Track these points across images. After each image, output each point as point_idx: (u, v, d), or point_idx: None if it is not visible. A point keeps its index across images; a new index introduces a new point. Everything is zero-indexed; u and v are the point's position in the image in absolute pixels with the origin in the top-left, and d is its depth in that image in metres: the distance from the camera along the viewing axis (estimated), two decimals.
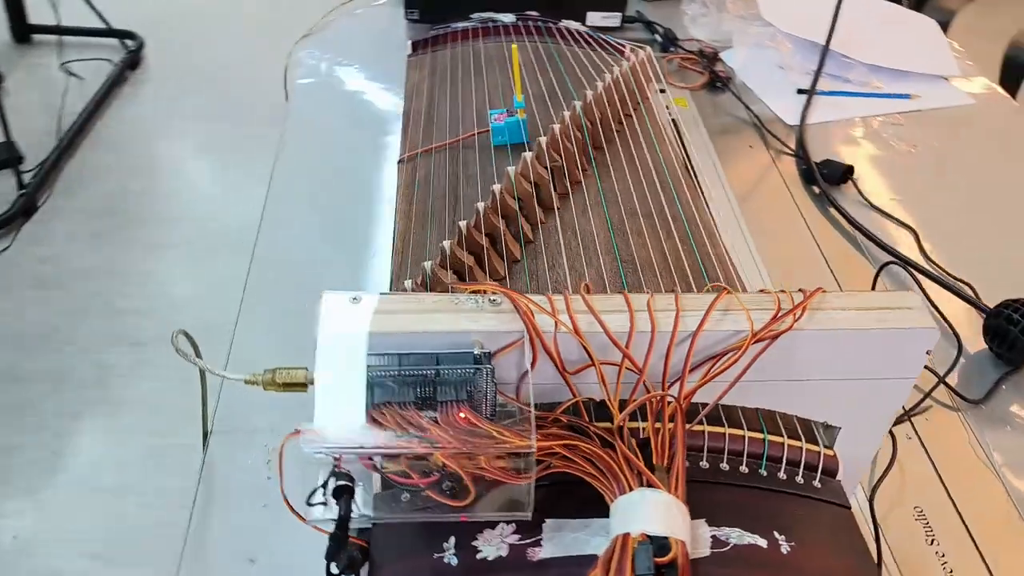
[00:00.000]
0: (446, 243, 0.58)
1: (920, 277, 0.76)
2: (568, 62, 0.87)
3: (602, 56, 0.90)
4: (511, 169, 0.63)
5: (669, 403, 0.43)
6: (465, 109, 0.80)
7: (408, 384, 0.40)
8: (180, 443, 1.56)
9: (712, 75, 1.06)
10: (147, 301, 1.89)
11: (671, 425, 0.43)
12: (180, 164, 2.32)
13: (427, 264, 0.56)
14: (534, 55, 0.89)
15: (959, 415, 0.66)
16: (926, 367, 0.66)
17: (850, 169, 0.89)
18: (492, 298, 0.42)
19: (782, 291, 0.45)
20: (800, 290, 0.45)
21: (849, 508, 0.47)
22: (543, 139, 0.65)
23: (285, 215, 0.79)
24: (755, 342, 0.43)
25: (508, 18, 0.97)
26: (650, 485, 0.41)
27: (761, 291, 0.46)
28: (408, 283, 0.56)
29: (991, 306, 0.71)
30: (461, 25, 0.96)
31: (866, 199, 0.87)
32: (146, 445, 1.59)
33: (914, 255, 0.81)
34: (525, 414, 0.41)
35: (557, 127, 0.67)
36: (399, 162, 0.75)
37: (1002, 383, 0.68)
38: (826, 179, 0.88)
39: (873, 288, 0.71)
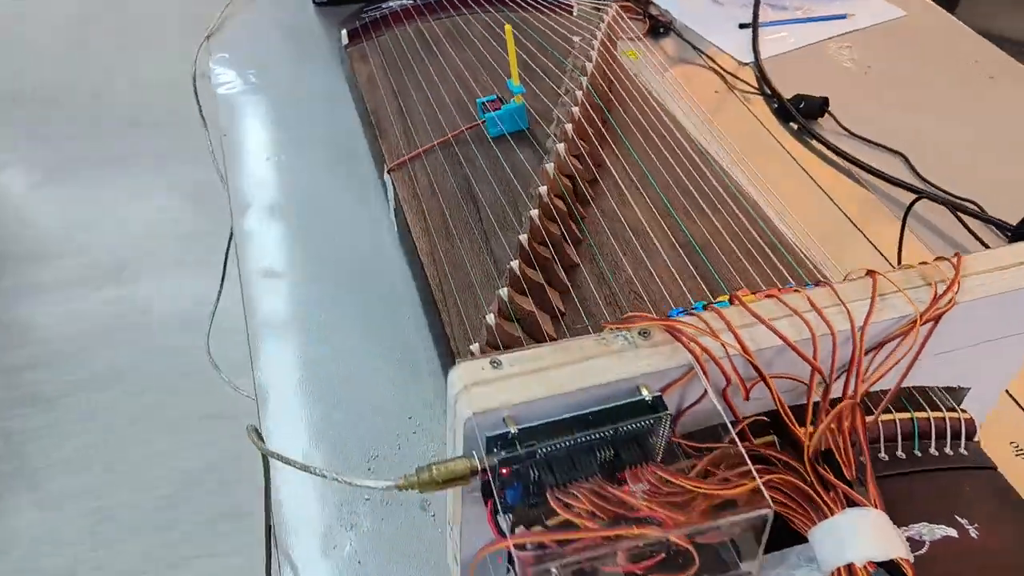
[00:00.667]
0: (515, 263, 0.52)
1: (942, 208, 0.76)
2: (528, 31, 0.81)
3: (557, 20, 0.85)
4: (549, 166, 0.57)
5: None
6: (441, 100, 0.72)
7: (586, 453, 0.34)
8: (128, 503, 1.44)
9: (652, 20, 1.02)
10: (38, 350, 1.72)
11: (849, 429, 0.39)
12: (33, 195, 2.11)
13: (503, 291, 0.50)
14: (490, 29, 0.82)
15: None
16: None
17: (825, 101, 0.87)
18: (642, 330, 0.37)
19: (923, 263, 0.42)
20: (939, 258, 0.42)
21: (996, 468, 0.45)
22: (568, 126, 0.60)
23: (263, 247, 0.70)
24: (923, 323, 0.40)
25: None
26: (852, 503, 0.37)
27: (902, 267, 0.43)
28: (490, 317, 0.50)
29: (1012, 223, 0.71)
30: (397, 3, 0.87)
31: (847, 129, 0.86)
32: (89, 511, 1.45)
33: (905, 176, 0.80)
34: (705, 455, 0.37)
35: (576, 110, 0.61)
36: (388, 172, 0.67)
37: None
38: (803, 115, 0.87)
39: (903, 226, 0.70)
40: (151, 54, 2.40)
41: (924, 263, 0.42)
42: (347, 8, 0.96)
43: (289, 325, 0.64)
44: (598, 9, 0.81)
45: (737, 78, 0.93)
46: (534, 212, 0.53)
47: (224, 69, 0.93)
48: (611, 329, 0.37)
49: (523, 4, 0.87)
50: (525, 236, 0.52)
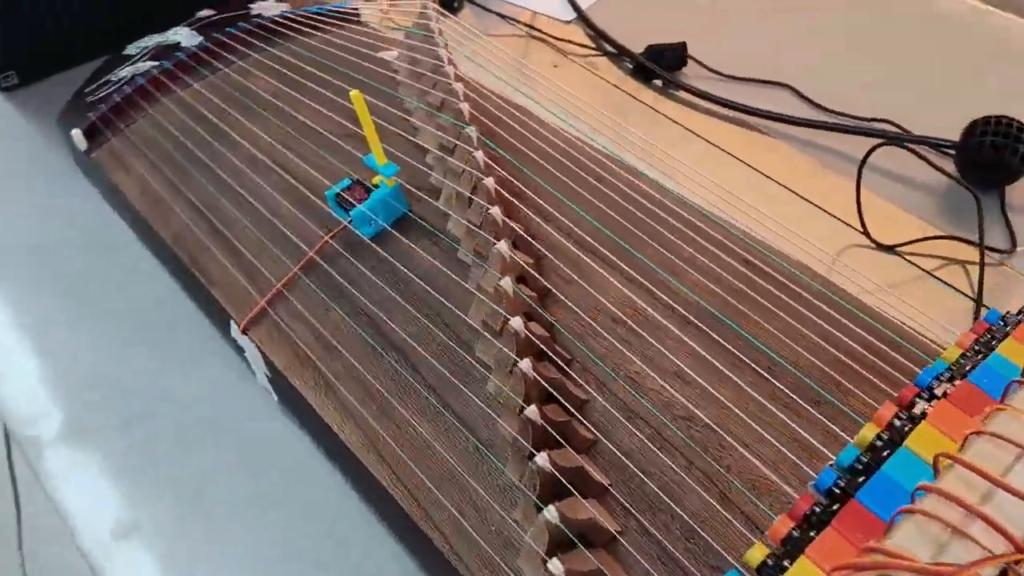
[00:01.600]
0: (541, 460, 0.34)
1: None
2: (324, 62, 0.61)
3: (353, 38, 0.65)
4: (505, 283, 0.40)
5: None
6: (269, 200, 0.52)
7: None
8: None
9: None
10: None
11: None
12: None
13: (550, 514, 0.33)
14: (283, 77, 0.61)
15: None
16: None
17: (683, 47, 0.75)
18: None
19: None
20: None
21: None
22: (495, 210, 0.42)
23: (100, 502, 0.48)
24: None
25: (190, 36, 0.66)
26: None
27: None
28: (556, 563, 0.33)
29: (949, 138, 0.63)
30: (129, 69, 0.64)
31: (717, 72, 0.75)
32: None
33: (802, 111, 0.71)
34: None
35: (490, 181, 0.44)
36: (243, 333, 0.47)
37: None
38: (666, 68, 0.74)
39: (859, 175, 0.59)
40: None
41: None
42: (53, 91, 0.70)
43: None
44: (423, 14, 0.63)
45: (571, 42, 0.79)
46: (524, 365, 0.36)
47: None
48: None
49: (297, 28, 0.66)
50: (534, 410, 0.35)
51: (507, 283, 0.39)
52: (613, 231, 0.46)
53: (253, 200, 0.52)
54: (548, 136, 0.52)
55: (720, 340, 0.41)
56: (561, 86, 0.60)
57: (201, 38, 0.66)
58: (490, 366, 0.41)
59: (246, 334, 0.47)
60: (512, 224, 0.43)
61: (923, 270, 0.58)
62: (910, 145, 0.61)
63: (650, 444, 0.37)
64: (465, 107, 0.49)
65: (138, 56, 0.66)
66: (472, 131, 0.47)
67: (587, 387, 0.40)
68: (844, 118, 0.69)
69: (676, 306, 0.42)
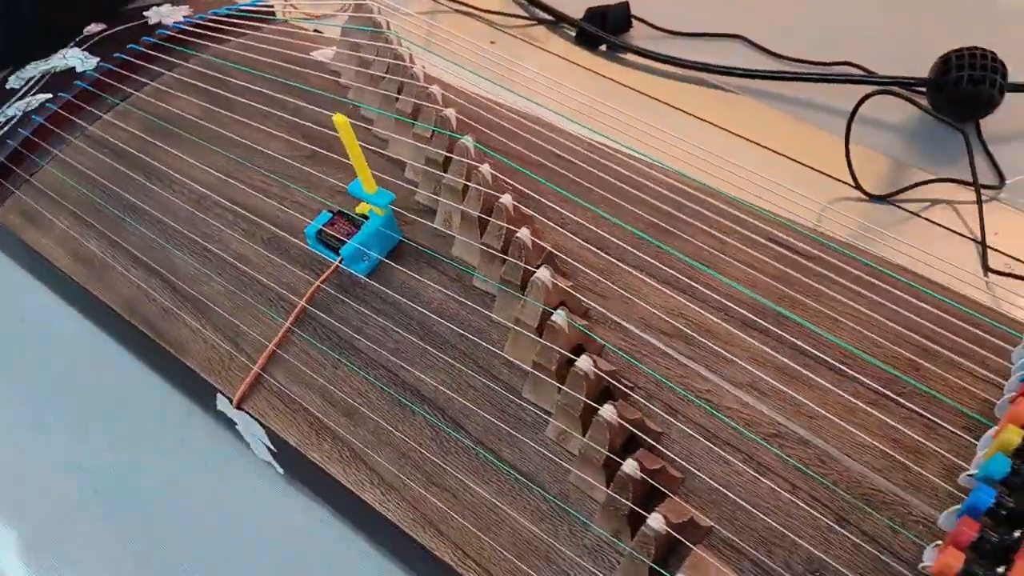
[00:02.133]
0: (655, 522, 0.30)
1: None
2: (258, 71, 0.54)
3: (274, 37, 0.58)
4: (560, 318, 0.35)
5: None
6: (233, 247, 0.45)
7: None
8: None
9: None
10: None
11: None
12: None
13: None
14: (203, 91, 0.53)
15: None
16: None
17: (626, 6, 0.70)
18: None
19: None
20: None
21: None
22: (523, 233, 0.37)
23: None
24: None
25: (83, 60, 0.57)
26: None
27: None
28: None
29: (916, 76, 0.61)
30: (20, 110, 0.54)
31: (666, 30, 0.71)
32: None
33: (762, 62, 0.68)
34: None
35: (508, 199, 0.39)
36: (239, 408, 0.40)
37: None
38: (612, 32, 0.70)
39: (849, 128, 0.57)
40: None
41: None
42: None
43: None
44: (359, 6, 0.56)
45: (501, 14, 0.73)
46: (609, 413, 0.32)
47: None
48: None
49: (209, 35, 0.58)
50: (634, 465, 0.30)
51: (562, 318, 0.34)
52: (642, 231, 0.41)
53: (211, 246, 0.45)
54: (545, 134, 0.47)
55: (785, 337, 0.37)
56: (536, 71, 0.55)
57: (98, 60, 0.57)
58: (545, 408, 0.36)
59: (242, 409, 0.40)
60: (543, 244, 0.38)
61: (921, 217, 0.56)
62: (898, 90, 0.58)
63: (746, 471, 0.34)
64: (451, 114, 0.43)
65: (25, 89, 0.56)
66: (469, 142, 0.41)
67: (659, 413, 0.35)
68: (805, 65, 0.67)
69: (730, 305, 0.39)
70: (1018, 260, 0.53)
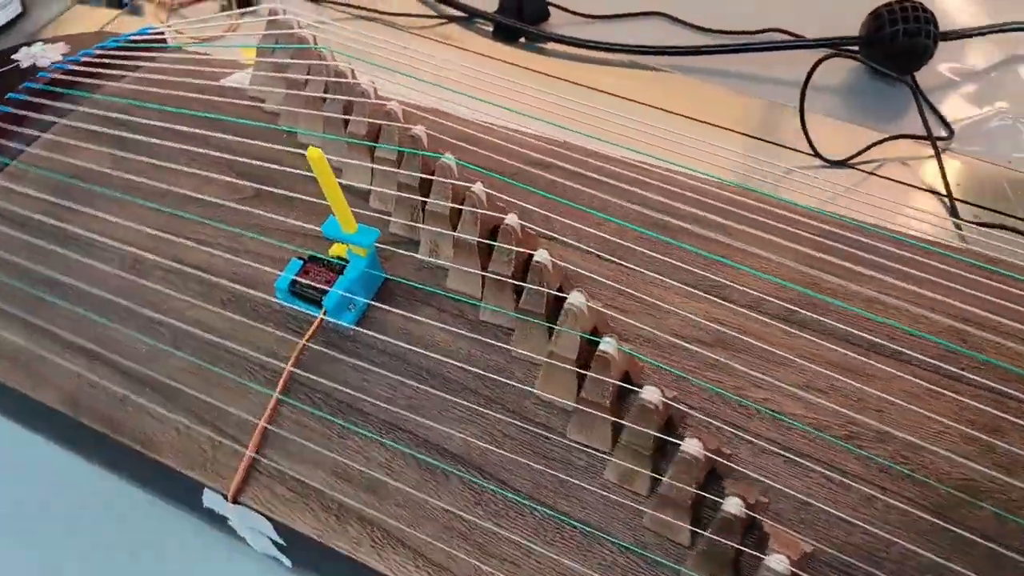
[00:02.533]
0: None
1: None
2: (167, 106, 0.47)
3: (174, 67, 0.51)
4: (610, 346, 0.31)
5: None
6: (187, 314, 0.39)
7: None
8: None
9: None
10: None
11: None
12: None
13: None
14: (108, 137, 0.46)
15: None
16: None
17: None
18: None
19: None
20: None
21: None
22: (541, 255, 0.33)
23: None
24: None
25: None
26: None
27: None
28: None
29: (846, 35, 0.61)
30: None
31: (584, 14, 0.67)
32: None
33: (688, 38, 0.66)
34: None
35: (514, 221, 0.34)
36: (235, 503, 0.34)
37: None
38: (531, 23, 0.66)
39: (803, 98, 0.55)
40: None
41: None
42: None
43: None
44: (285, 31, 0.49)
45: (407, 15, 0.68)
46: (694, 448, 0.28)
47: None
48: None
49: (99, 73, 0.51)
50: (737, 503, 0.27)
51: (613, 347, 0.30)
52: (653, 230, 0.38)
53: (161, 316, 0.39)
54: (516, 139, 0.43)
55: (828, 324, 0.35)
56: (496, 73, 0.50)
57: None
58: (597, 448, 0.32)
59: (239, 503, 0.34)
60: (564, 265, 0.34)
61: (883, 177, 0.56)
62: (849, 50, 0.57)
63: (830, 481, 0.31)
64: (422, 132, 0.38)
65: None
66: (451, 160, 0.36)
67: (726, 433, 0.32)
68: (732, 36, 0.65)
69: (763, 298, 0.36)
70: (984, 208, 0.53)
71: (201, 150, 0.45)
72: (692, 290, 0.36)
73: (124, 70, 0.51)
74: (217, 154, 0.44)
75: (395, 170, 0.40)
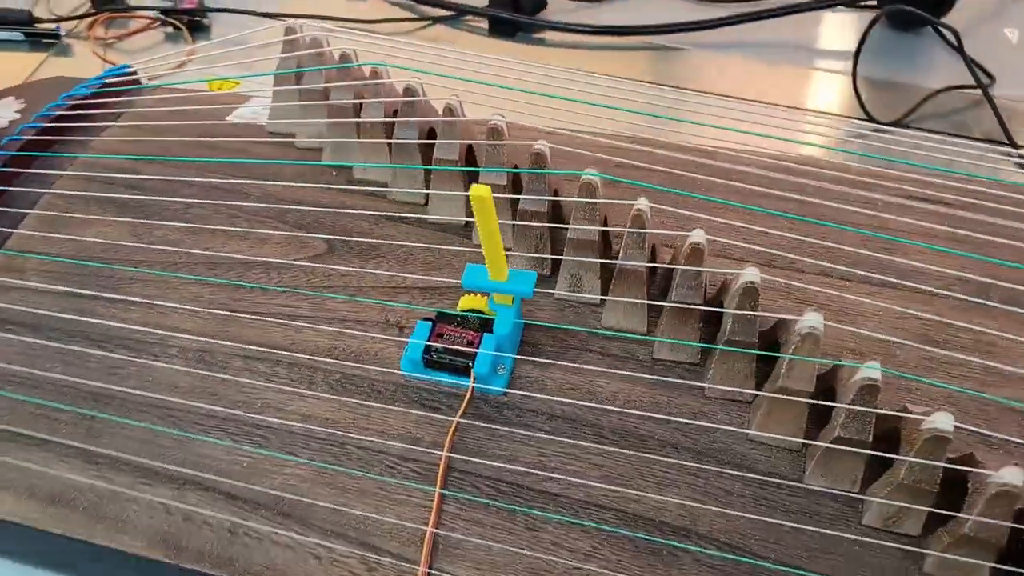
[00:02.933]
0: None
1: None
2: (170, 155, 0.39)
3: (165, 109, 0.43)
4: (873, 371, 0.25)
5: None
6: (289, 407, 0.31)
7: None
8: None
9: (180, 19, 0.61)
10: None
11: None
12: None
13: None
14: (110, 204, 0.38)
15: None
16: None
17: None
18: None
19: None
20: None
21: None
22: (751, 274, 0.27)
23: None
24: None
25: None
26: None
27: None
28: None
29: None
30: None
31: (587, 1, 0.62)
32: None
33: (699, 11, 0.61)
34: None
35: (701, 236, 0.28)
36: None
37: None
38: (530, 15, 0.60)
39: (856, 61, 0.51)
40: None
41: None
42: None
43: None
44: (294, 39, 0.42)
45: (386, 21, 0.61)
46: (1012, 475, 0.23)
47: None
48: None
49: (77, 127, 0.42)
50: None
51: (877, 372, 0.25)
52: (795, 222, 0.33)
53: (258, 417, 0.31)
54: (607, 144, 0.38)
55: (913, 287, 0.31)
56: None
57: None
58: (843, 490, 0.27)
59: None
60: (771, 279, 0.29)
61: (941, 133, 0.53)
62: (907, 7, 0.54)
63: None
64: (544, 147, 0.32)
65: None
66: (595, 176, 0.31)
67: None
68: (737, 4, 0.61)
69: (949, 275, 0.32)
70: None
71: (239, 203, 0.37)
72: (865, 284, 0.32)
73: (105, 120, 0.42)
74: (262, 206, 0.37)
75: (508, 196, 0.33)
